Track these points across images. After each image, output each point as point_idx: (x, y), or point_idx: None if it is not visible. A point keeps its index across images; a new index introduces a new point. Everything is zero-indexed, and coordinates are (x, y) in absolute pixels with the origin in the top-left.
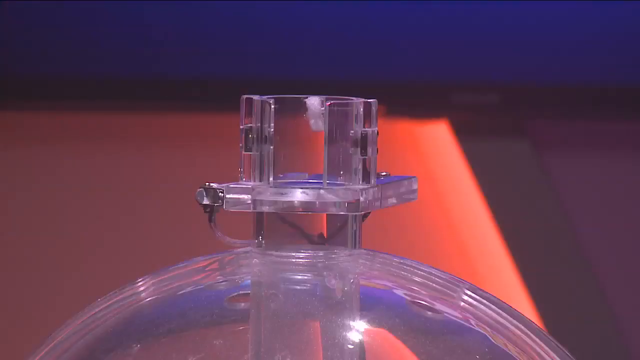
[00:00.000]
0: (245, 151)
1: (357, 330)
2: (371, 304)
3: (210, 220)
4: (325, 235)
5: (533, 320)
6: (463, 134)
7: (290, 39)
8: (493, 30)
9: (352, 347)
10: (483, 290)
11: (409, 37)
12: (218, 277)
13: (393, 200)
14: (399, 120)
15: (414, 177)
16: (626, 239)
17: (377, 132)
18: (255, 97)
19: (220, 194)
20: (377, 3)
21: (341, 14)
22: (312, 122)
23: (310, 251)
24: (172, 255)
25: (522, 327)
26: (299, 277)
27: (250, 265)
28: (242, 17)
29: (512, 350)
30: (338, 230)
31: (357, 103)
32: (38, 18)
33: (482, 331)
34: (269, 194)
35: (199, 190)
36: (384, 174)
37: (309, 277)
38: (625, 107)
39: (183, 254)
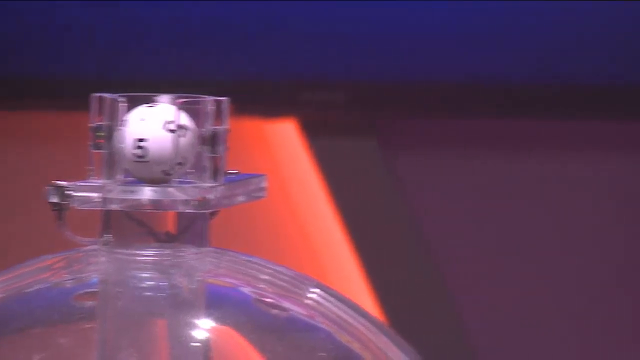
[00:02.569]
0: (94, 149)
1: (203, 328)
2: (218, 302)
3: (58, 218)
4: (173, 233)
5: (377, 317)
6: (311, 132)
7: (133, 39)
8: (337, 28)
9: (198, 345)
10: (329, 288)
11: (259, 36)
12: (65, 275)
13: (242, 198)
14: (248, 119)
15: (263, 175)
16: (469, 236)
17: (228, 131)
18: (106, 95)
19: (68, 192)
20: (226, 3)
21: (196, 13)
22: None
23: (158, 249)
24: (20, 254)
25: (367, 324)
26: (146, 275)
27: (98, 264)
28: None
29: (356, 347)
30: (186, 228)
31: (208, 101)
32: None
33: (328, 328)
34: (117, 192)
35: (47, 188)
36: (235, 172)
37: (156, 275)
38: (481, 104)
39: (31, 252)
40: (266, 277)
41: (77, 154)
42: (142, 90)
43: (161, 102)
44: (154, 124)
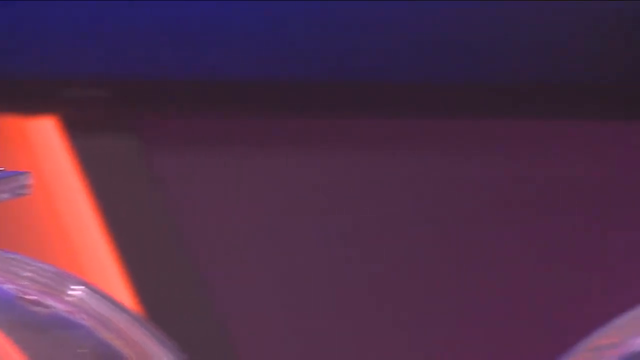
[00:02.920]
0: None
1: None
2: None
3: None
4: None
5: (137, 313)
6: (73, 129)
7: None
8: (99, 26)
9: None
10: (90, 285)
11: (21, 34)
12: None
13: (5, 196)
14: (8, 116)
15: (27, 172)
16: (230, 233)
17: None
18: None
19: None
20: None
21: None
22: None
23: None
24: None
25: (127, 320)
26: None
27: None
28: None
29: (117, 343)
30: None
31: None
32: None
33: (89, 325)
34: None
35: None
36: (1, 169)
37: None
38: (243, 103)
39: None
40: (28, 274)
41: None
42: None
43: None
44: None
